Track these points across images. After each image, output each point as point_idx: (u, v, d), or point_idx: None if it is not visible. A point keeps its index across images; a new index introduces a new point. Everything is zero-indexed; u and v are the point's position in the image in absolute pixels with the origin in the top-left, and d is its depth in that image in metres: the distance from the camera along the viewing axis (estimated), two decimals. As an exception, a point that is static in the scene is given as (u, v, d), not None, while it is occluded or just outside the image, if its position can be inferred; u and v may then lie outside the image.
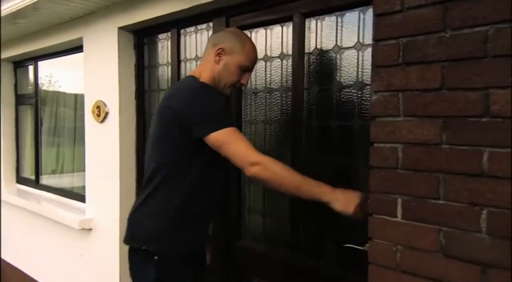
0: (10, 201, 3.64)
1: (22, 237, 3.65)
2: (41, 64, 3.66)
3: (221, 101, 1.48)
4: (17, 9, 2.62)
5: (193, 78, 1.45)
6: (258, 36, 1.92)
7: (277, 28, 1.84)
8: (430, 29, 1.08)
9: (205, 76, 1.45)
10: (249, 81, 1.55)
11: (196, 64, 2.21)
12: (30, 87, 3.84)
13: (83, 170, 2.85)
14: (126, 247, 1.49)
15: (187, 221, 1.44)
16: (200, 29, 2.17)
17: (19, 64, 3.96)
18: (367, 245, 1.43)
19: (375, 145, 1.22)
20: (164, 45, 2.38)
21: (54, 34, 3.03)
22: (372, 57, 1.23)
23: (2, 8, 2.77)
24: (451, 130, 1.06)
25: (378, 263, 1.22)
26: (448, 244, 1.06)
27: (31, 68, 3.82)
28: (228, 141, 1.31)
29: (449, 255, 1.06)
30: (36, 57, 3.64)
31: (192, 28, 2.20)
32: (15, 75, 4.05)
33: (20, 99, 3.98)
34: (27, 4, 2.50)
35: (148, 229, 1.42)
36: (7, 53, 3.76)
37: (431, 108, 1.09)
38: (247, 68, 1.47)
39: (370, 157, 1.23)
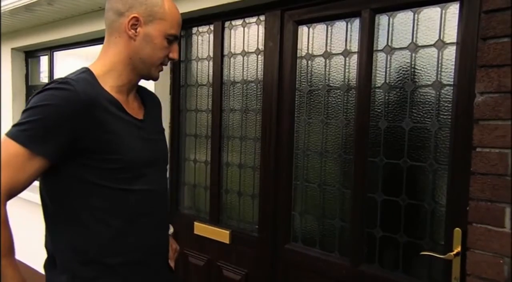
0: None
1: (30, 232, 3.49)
2: (57, 54, 3.51)
3: (58, 115, 0.99)
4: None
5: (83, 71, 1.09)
6: (316, 31, 1.83)
7: (339, 23, 1.75)
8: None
9: (111, 60, 1.12)
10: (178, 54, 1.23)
11: (243, 60, 2.11)
12: (45, 78, 3.68)
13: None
14: None
15: None
16: (249, 23, 2.07)
17: (31, 54, 3.80)
18: (450, 254, 1.37)
19: (479, 149, 1.15)
20: (204, 39, 2.28)
21: (75, 24, 2.88)
22: (478, 57, 1.16)
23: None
24: None
25: (480, 276, 1.15)
26: None
27: (43, 58, 3.67)
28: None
29: None
30: (52, 47, 3.49)
31: (239, 21, 2.10)
32: (27, 66, 3.88)
33: (31, 90, 3.82)
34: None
35: None
36: (19, 43, 3.61)
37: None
38: (174, 37, 1.16)
39: (472, 162, 1.16)
